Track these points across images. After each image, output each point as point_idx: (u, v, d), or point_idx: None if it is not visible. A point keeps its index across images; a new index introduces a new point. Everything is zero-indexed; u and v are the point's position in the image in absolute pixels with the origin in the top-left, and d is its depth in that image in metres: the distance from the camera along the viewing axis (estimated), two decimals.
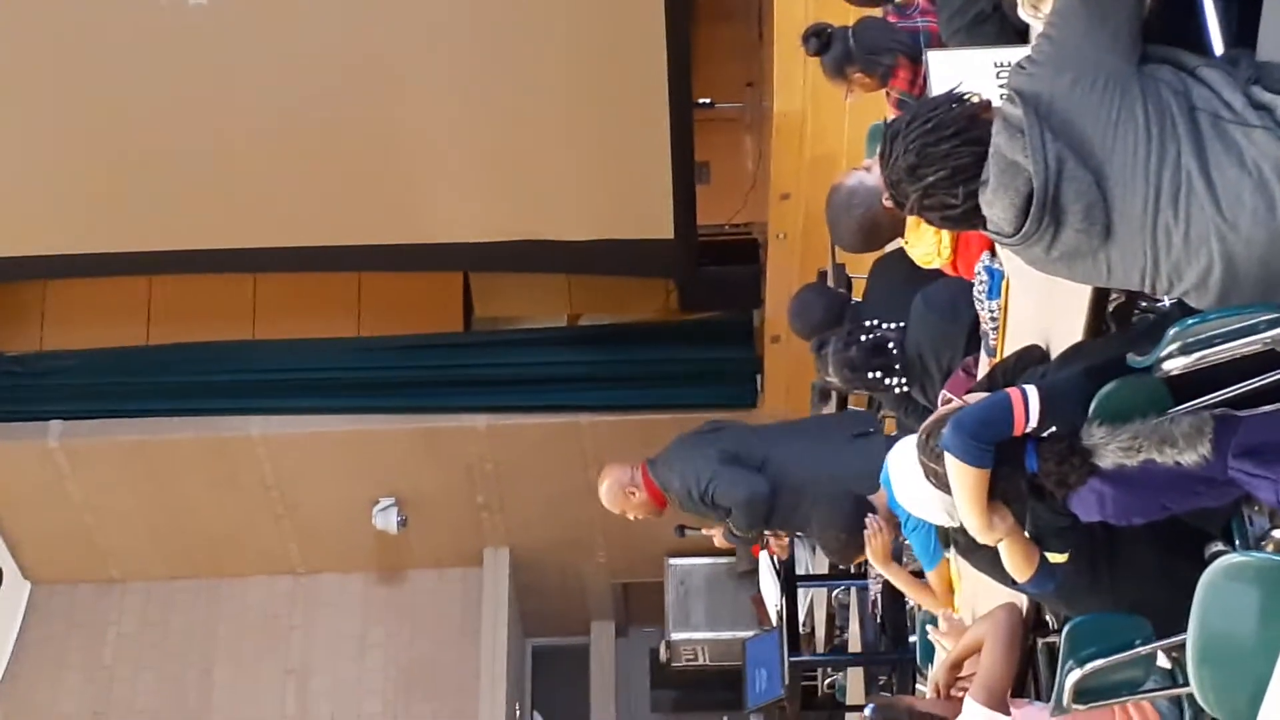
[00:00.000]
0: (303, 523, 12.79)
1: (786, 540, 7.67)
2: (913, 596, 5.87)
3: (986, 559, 4.52)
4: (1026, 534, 4.03)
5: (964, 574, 5.31)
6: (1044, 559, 4.08)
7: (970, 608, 5.22)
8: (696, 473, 6.66)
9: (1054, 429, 3.65)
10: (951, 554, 5.24)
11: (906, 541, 5.44)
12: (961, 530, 4.26)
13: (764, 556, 9.09)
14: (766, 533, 7.12)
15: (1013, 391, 3.72)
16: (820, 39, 6.03)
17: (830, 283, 8.41)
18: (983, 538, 3.93)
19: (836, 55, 5.99)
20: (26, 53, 9.71)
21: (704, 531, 7.34)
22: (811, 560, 9.47)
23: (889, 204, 4.72)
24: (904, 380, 5.32)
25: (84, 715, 12.62)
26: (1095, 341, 3.95)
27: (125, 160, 10.14)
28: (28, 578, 13.06)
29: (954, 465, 3.71)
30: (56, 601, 13.02)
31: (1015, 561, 4.09)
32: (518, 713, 13.22)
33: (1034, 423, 3.67)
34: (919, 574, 5.62)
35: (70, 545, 12.75)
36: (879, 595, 7.78)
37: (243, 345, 12.27)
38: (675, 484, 6.72)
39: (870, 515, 5.40)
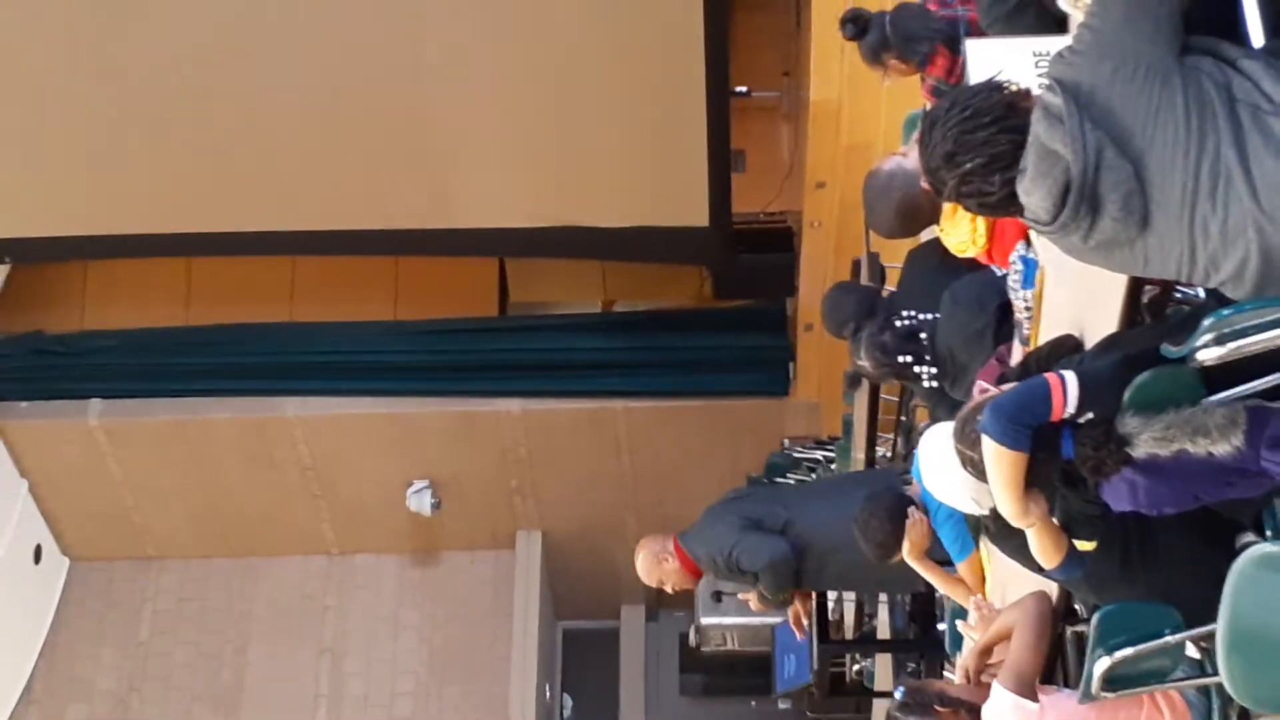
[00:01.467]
0: (338, 504, 12.87)
1: (813, 604, 7.72)
2: (945, 590, 5.89)
3: (1018, 546, 4.54)
4: (1055, 521, 4.06)
5: (994, 561, 5.32)
6: (1072, 546, 4.10)
7: (1000, 595, 5.24)
8: (720, 541, 6.72)
9: (1090, 416, 3.67)
10: (983, 544, 5.28)
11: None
12: (993, 516, 4.29)
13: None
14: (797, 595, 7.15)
15: (1051, 377, 3.74)
16: (857, 24, 6.04)
17: (864, 271, 8.43)
18: (1017, 522, 3.95)
19: (873, 41, 6.00)
20: (70, 36, 9.77)
21: (740, 596, 7.38)
22: None
23: (928, 186, 4.76)
24: (934, 370, 5.34)
25: (120, 690, 12.73)
26: (1132, 332, 3.97)
27: (167, 143, 10.21)
28: (67, 555, 13.17)
29: (991, 449, 3.73)
30: (95, 578, 13.14)
31: (1044, 548, 4.11)
32: (548, 694, 13.28)
33: (1072, 408, 3.69)
34: (946, 562, 5.64)
35: (109, 523, 12.86)
36: None
37: (280, 327, 12.34)
38: (702, 554, 6.80)
39: (911, 507, 5.42)
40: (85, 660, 12.80)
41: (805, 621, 7.32)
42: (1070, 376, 3.72)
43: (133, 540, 13.06)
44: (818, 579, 6.80)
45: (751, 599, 7.17)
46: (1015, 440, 3.68)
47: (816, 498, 7.17)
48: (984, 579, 5.49)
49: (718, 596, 7.44)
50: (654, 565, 6.90)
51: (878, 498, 5.54)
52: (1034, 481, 3.78)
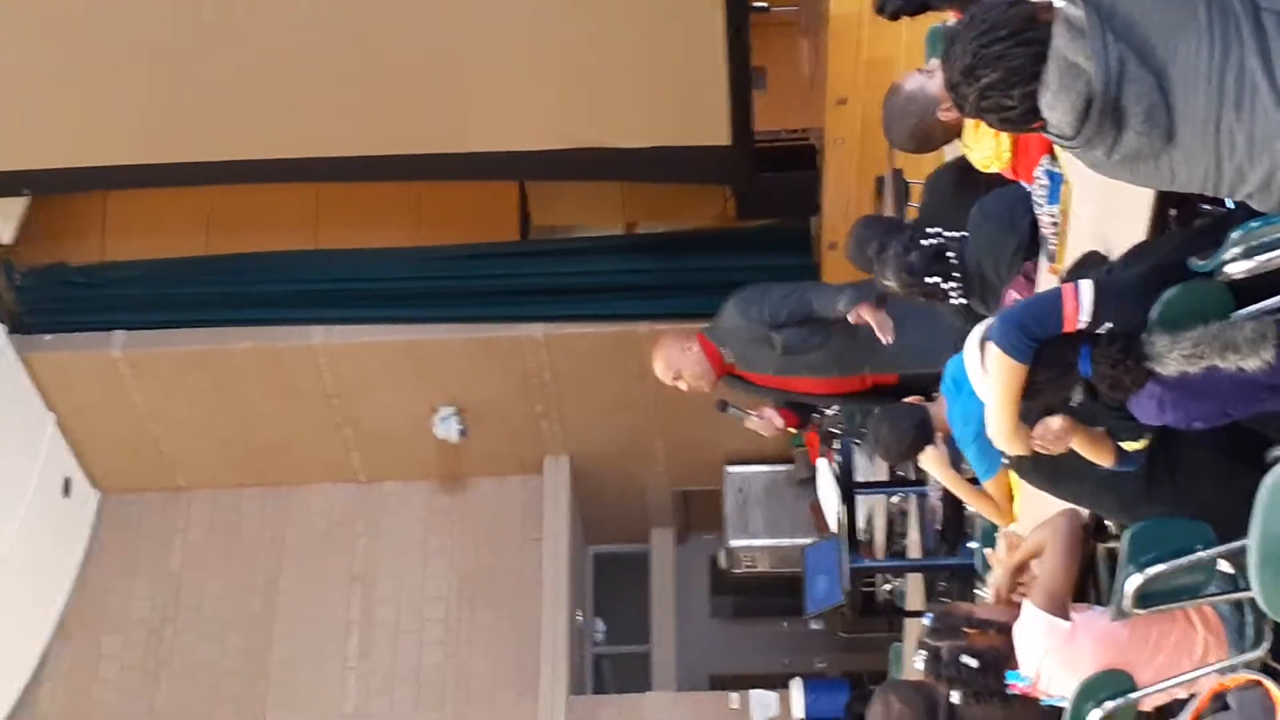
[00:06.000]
0: (364, 432, 12.89)
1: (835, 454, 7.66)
2: (972, 503, 5.87)
3: (1043, 476, 4.52)
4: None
5: (1021, 489, 5.30)
6: (1120, 447, 4.07)
7: (1033, 516, 5.21)
8: (753, 295, 6.67)
9: (1110, 328, 3.62)
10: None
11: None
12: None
13: (822, 463, 9.09)
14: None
15: (1065, 285, 3.69)
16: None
17: (889, 188, 8.37)
18: (1003, 442, 3.91)
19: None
20: None
21: (747, 411, 7.27)
22: (870, 467, 9.48)
23: (945, 113, 4.70)
24: (962, 288, 5.29)
25: (153, 621, 12.82)
26: (1159, 240, 3.91)
27: (186, 71, 10.14)
28: (96, 487, 13.23)
29: (994, 357, 3.70)
30: (125, 510, 13.20)
31: (1091, 452, 4.08)
32: (580, 619, 13.34)
33: (1086, 317, 3.64)
34: (975, 481, 5.62)
35: (137, 455, 12.91)
36: (938, 502, 7.78)
37: (302, 255, 12.32)
38: (729, 315, 6.70)
39: (937, 436, 5.39)
40: (118, 592, 12.89)
41: (779, 421, 7.20)
42: (1086, 285, 3.67)
43: (162, 471, 13.11)
44: (846, 344, 6.70)
45: (761, 416, 7.07)
46: (1018, 349, 3.64)
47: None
48: (1011, 497, 5.47)
49: (723, 406, 7.27)
50: (675, 353, 6.81)
51: (898, 414, 5.51)
52: (1047, 400, 3.74)
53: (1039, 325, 3.65)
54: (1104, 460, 4.12)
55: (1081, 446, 4.11)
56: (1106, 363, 3.58)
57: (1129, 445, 4.04)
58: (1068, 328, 3.68)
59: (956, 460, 5.59)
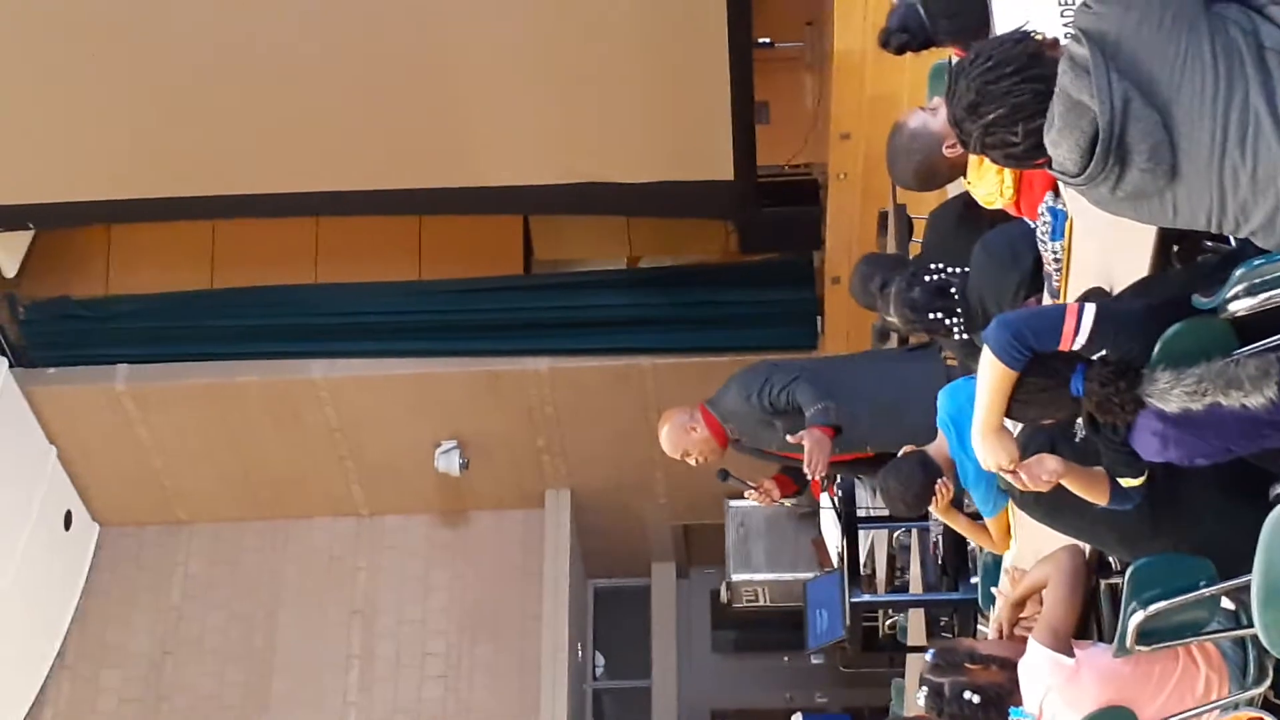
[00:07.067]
0: (366, 465, 12.90)
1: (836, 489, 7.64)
2: (971, 538, 5.88)
3: (1043, 510, 4.51)
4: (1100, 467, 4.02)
5: (1022, 522, 5.29)
6: (1115, 482, 4.06)
7: (1034, 553, 5.20)
8: (755, 379, 6.66)
9: (1104, 354, 3.62)
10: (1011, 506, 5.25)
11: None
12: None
13: (825, 499, 9.07)
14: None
15: (1071, 305, 3.70)
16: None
17: (891, 223, 8.37)
18: (982, 446, 3.90)
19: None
20: (92, 2, 9.76)
21: (748, 484, 7.27)
22: (872, 502, 9.46)
23: (950, 150, 4.71)
24: (964, 324, 5.30)
25: (153, 654, 12.81)
26: (1164, 275, 3.92)
27: (189, 106, 10.18)
28: (97, 520, 13.23)
29: (986, 360, 3.69)
30: (125, 543, 13.20)
31: (1086, 492, 4.07)
32: (580, 652, 13.32)
33: (1083, 338, 3.64)
34: (975, 515, 5.62)
35: (138, 488, 12.91)
36: (940, 537, 7.76)
37: (305, 289, 12.35)
38: (732, 398, 6.69)
39: (940, 480, 5.38)
40: (117, 625, 12.88)
41: (776, 494, 7.17)
42: (1089, 309, 3.67)
43: (163, 504, 13.11)
44: (850, 430, 6.68)
45: (762, 489, 7.04)
46: (1009, 356, 3.63)
47: (845, 359, 7.10)
48: (1009, 535, 5.48)
49: (724, 475, 7.21)
50: (680, 435, 6.78)
51: (899, 466, 5.50)
52: (1037, 414, 3.73)
53: (1035, 337, 3.65)
54: (1098, 499, 4.11)
55: (1074, 485, 4.11)
56: (1097, 381, 3.57)
57: (1127, 482, 4.03)
58: (1063, 346, 3.68)
59: (958, 500, 5.59)
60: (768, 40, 10.89)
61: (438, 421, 12.55)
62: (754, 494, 7.08)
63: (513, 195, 10.82)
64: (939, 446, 5.38)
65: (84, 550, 13.07)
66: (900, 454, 5.58)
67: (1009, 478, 4.08)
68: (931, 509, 5.50)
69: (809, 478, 6.63)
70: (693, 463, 6.91)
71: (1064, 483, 4.07)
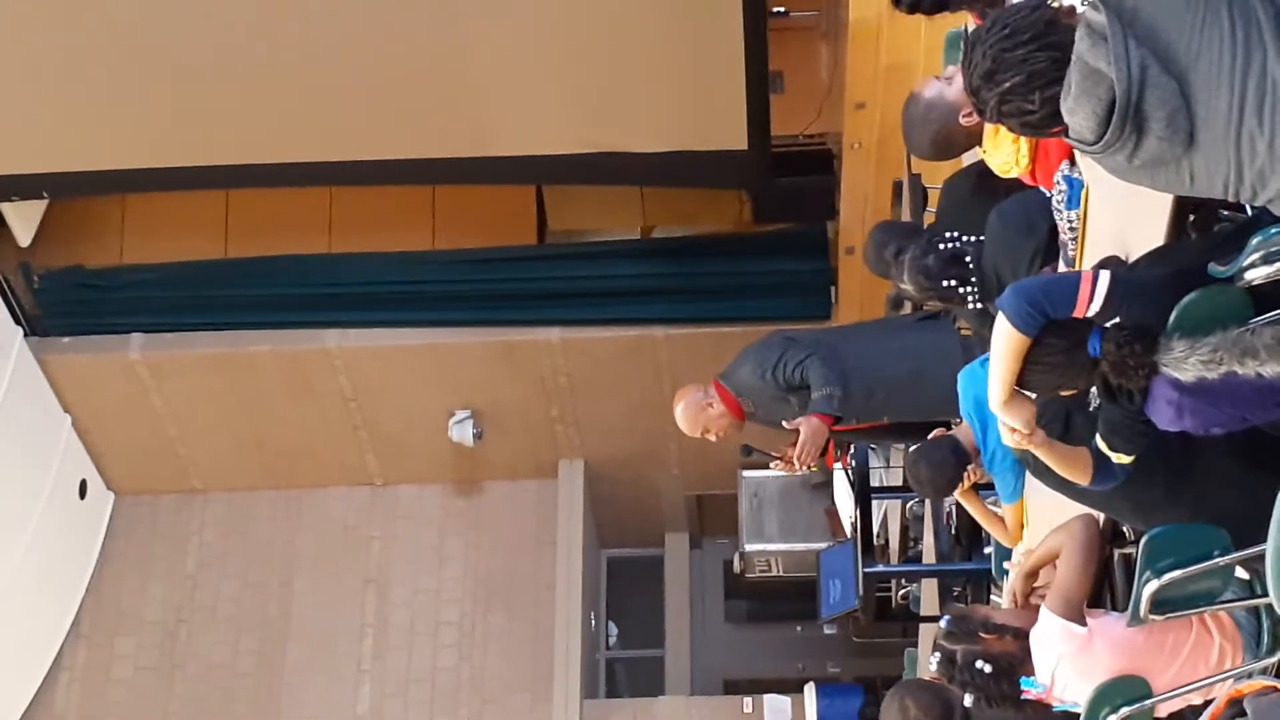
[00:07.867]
0: (380, 435, 12.92)
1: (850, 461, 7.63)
2: (985, 525, 5.89)
3: (1057, 476, 4.52)
4: (1099, 435, 4.01)
5: (1038, 503, 5.30)
6: (1102, 458, 4.05)
7: (1047, 523, 5.21)
8: (770, 354, 6.65)
9: (1118, 321, 3.61)
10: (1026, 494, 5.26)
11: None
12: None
13: (838, 468, 9.07)
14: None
15: (1086, 271, 3.69)
16: None
17: (906, 193, 8.35)
18: (998, 408, 3.90)
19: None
20: None
21: (772, 454, 7.26)
22: (885, 472, 9.47)
23: (966, 119, 4.70)
24: (978, 292, 5.29)
25: (168, 622, 12.85)
26: (1180, 244, 3.91)
27: (201, 75, 10.17)
28: (112, 489, 13.27)
29: (1000, 326, 3.69)
30: (140, 512, 13.24)
31: (1066, 470, 4.08)
32: (593, 622, 13.35)
33: (1098, 304, 3.64)
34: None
35: (153, 457, 12.94)
36: (953, 507, 7.77)
37: (319, 259, 12.35)
38: (747, 374, 6.68)
39: (970, 466, 5.39)
40: (132, 594, 12.93)
41: (797, 463, 7.15)
42: (1104, 276, 3.67)
43: (177, 473, 13.15)
44: (865, 404, 6.68)
45: (785, 456, 7.03)
46: (1024, 321, 3.63)
47: (858, 329, 7.08)
48: (1022, 526, 5.50)
49: (747, 450, 7.18)
50: (697, 413, 6.77)
51: (930, 450, 5.51)
52: (1055, 379, 3.73)
53: (1050, 303, 3.65)
54: (1078, 479, 4.11)
55: (1054, 461, 4.11)
56: (1114, 342, 3.57)
57: (1118, 458, 4.03)
58: (1078, 313, 3.68)
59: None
60: (782, 9, 10.86)
61: (451, 391, 12.56)
62: (780, 464, 7.06)
63: (527, 165, 10.81)
64: (964, 432, 5.39)
65: (99, 519, 13.11)
66: (930, 438, 5.58)
67: (1020, 440, 4.08)
68: (954, 492, 5.53)
69: (796, 466, 6.60)
70: (713, 438, 6.90)
71: (1043, 457, 4.08)
